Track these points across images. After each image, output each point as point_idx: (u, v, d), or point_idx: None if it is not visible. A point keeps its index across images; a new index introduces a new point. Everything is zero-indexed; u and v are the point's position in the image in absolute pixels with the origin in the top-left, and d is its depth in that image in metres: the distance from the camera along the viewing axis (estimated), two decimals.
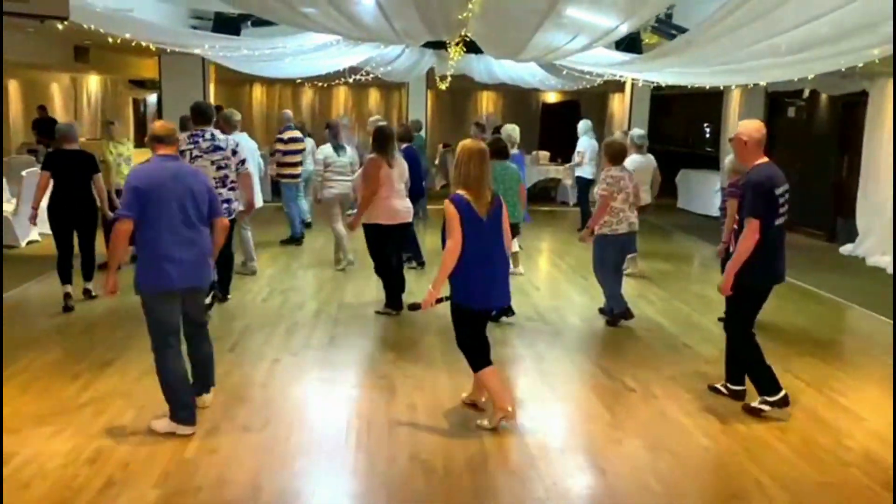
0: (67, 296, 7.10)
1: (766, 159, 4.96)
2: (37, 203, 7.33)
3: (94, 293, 7.39)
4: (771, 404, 4.99)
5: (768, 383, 5.00)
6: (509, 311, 6.88)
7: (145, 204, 4.36)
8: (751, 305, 5.10)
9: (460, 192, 4.58)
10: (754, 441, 4.67)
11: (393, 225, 7.05)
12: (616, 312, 7.04)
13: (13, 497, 3.78)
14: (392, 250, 7.23)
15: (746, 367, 5.12)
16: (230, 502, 3.80)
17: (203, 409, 4.80)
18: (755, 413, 5.01)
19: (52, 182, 7.11)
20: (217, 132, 6.83)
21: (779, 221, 4.91)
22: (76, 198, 7.14)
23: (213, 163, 6.56)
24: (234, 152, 6.79)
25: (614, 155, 7.05)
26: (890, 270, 9.69)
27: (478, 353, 4.72)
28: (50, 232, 10.31)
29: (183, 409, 4.53)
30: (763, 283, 5.05)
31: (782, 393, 4.99)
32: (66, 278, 7.15)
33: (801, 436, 4.77)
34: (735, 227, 5.07)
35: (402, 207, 7.11)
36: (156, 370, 4.53)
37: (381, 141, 7.06)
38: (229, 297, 7.45)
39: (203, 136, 6.62)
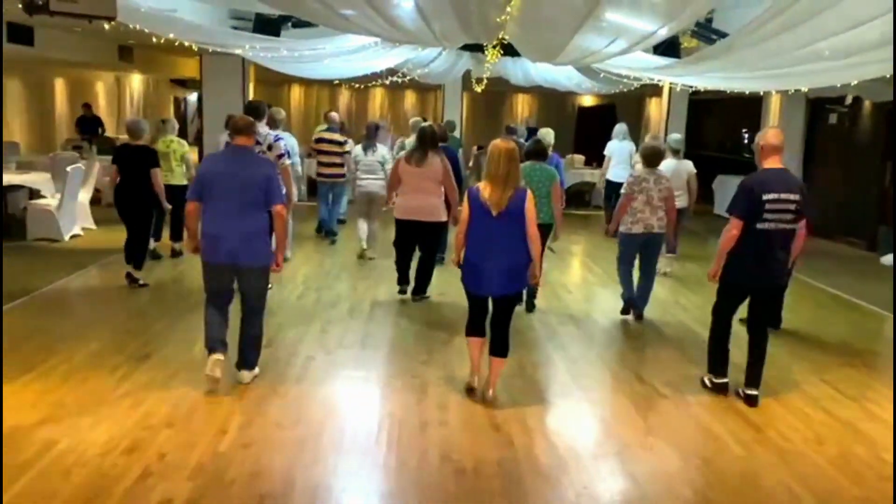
0: (129, 274, 7.71)
1: (776, 165, 5.14)
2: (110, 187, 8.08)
3: (141, 282, 7.73)
4: (711, 384, 5.43)
5: (717, 365, 5.40)
6: (526, 303, 7.24)
7: (203, 187, 5.04)
8: (727, 299, 5.37)
9: (479, 184, 4.99)
10: (789, 451, 4.60)
11: (406, 220, 7.40)
12: (625, 305, 7.40)
13: (54, 483, 3.86)
14: (413, 244, 7.57)
15: (709, 343, 5.50)
16: (263, 496, 3.84)
17: (240, 401, 4.92)
18: (703, 385, 5.49)
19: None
20: (261, 127, 7.11)
21: (762, 226, 5.03)
22: (135, 188, 7.63)
23: None
24: (270, 147, 7.03)
25: (645, 158, 7.25)
26: None
27: (469, 322, 5.25)
28: (92, 226, 10.68)
29: (208, 340, 5.16)
30: (737, 281, 5.23)
31: (724, 380, 5.38)
32: (128, 258, 7.76)
33: (839, 447, 4.69)
34: None
35: (415, 205, 7.29)
36: None
37: (416, 140, 7.40)
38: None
39: None
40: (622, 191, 7.22)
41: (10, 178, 10.55)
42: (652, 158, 7.14)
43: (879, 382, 5.94)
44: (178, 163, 8.93)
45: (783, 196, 4.96)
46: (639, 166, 7.43)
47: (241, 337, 5.28)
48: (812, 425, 5.01)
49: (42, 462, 4.06)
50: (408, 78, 14.77)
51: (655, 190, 6.97)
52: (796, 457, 4.54)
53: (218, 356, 5.06)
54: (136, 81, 19.23)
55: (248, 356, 5.29)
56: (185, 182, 8.70)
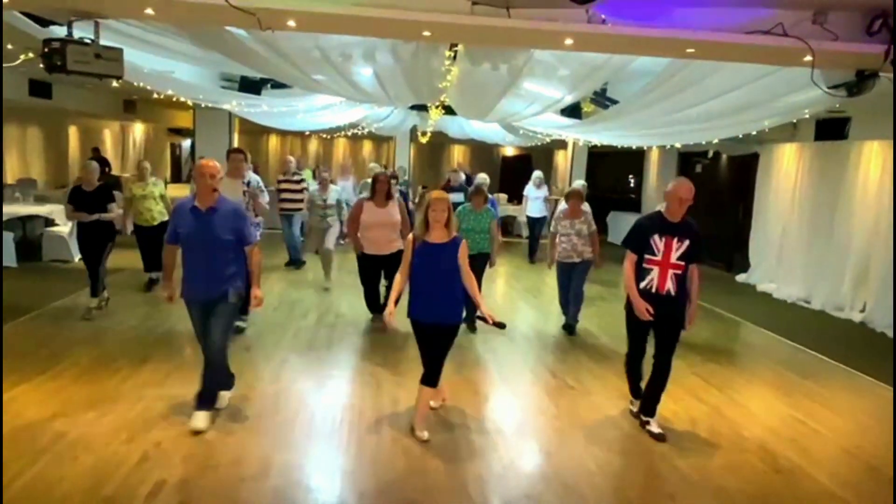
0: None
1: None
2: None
3: (95, 306, 6.94)
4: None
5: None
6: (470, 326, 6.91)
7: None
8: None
9: (418, 232, 4.30)
10: (670, 430, 4.68)
11: (369, 255, 6.78)
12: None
13: (65, 468, 3.67)
14: (374, 274, 6.93)
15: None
16: (244, 477, 3.71)
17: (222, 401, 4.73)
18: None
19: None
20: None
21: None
22: (95, 225, 6.88)
23: None
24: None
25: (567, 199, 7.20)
26: (776, 295, 9.85)
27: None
28: None
29: None
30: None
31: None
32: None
33: (708, 428, 4.80)
34: (679, 271, 4.67)
35: (374, 240, 6.71)
36: None
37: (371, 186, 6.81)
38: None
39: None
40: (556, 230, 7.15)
41: (28, 209, 10.12)
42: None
43: (738, 375, 6.12)
44: (157, 201, 7.99)
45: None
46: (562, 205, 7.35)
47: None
48: (688, 410, 5.12)
49: (54, 449, 3.87)
50: (366, 130, 14.75)
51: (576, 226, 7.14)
52: (676, 434, 4.62)
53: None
54: (138, 129, 18.67)
55: (205, 388, 4.42)
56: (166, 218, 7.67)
